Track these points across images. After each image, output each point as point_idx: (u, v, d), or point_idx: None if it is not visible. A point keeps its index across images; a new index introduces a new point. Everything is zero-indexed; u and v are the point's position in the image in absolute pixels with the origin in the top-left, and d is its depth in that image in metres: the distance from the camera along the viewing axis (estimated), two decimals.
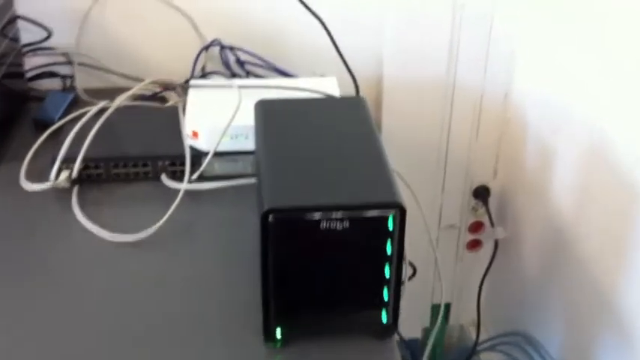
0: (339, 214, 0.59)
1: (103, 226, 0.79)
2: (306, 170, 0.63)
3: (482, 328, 1.28)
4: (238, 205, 0.83)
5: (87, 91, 1.04)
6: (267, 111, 0.73)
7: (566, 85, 1.00)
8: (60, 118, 0.95)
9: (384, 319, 0.64)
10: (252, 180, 0.82)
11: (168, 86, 1.02)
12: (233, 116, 0.85)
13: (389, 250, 0.61)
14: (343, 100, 0.78)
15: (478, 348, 1.28)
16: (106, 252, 0.77)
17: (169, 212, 0.79)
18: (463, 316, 1.39)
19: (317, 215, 0.58)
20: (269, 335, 0.64)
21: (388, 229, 0.60)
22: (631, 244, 0.86)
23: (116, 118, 0.91)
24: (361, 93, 1.04)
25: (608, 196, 0.90)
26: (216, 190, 0.85)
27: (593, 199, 0.94)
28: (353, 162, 0.64)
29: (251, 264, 0.70)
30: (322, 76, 1.06)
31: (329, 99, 0.77)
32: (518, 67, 1.12)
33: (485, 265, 1.28)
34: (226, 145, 0.86)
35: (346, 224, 0.59)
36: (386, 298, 0.63)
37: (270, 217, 0.58)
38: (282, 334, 0.64)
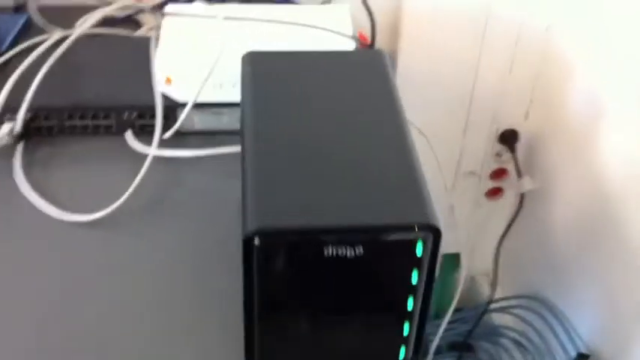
0: (350, 238, 0.43)
1: (52, 198, 0.63)
2: (306, 170, 0.46)
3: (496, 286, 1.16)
4: (223, 170, 0.67)
5: (43, 10, 0.85)
6: (258, 69, 0.55)
7: (627, 20, 0.81)
8: (8, 49, 0.77)
9: (402, 355, 0.50)
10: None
11: (140, 9, 0.83)
12: (217, 60, 0.68)
13: (414, 281, 0.46)
14: (356, 56, 0.60)
15: (490, 307, 1.16)
16: (55, 233, 0.61)
17: (134, 184, 0.63)
18: (475, 268, 1.26)
19: (321, 239, 0.43)
20: None
21: (415, 256, 0.44)
22: None
23: (75, 51, 0.73)
24: (377, 23, 0.86)
25: None
26: None
27: None
28: (369, 158, 0.48)
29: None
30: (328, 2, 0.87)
31: (337, 53, 0.60)
32: (568, 2, 0.92)
33: (505, 217, 1.13)
34: (209, 95, 0.69)
35: (359, 250, 0.43)
36: (406, 333, 0.49)
37: (257, 241, 0.42)
38: None
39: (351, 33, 0.74)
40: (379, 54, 0.57)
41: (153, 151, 0.65)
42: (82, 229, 0.61)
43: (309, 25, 0.73)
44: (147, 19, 0.86)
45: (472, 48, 0.98)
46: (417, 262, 0.45)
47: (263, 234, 0.42)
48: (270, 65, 0.56)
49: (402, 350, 0.50)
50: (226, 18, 0.73)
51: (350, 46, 0.72)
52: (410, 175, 0.46)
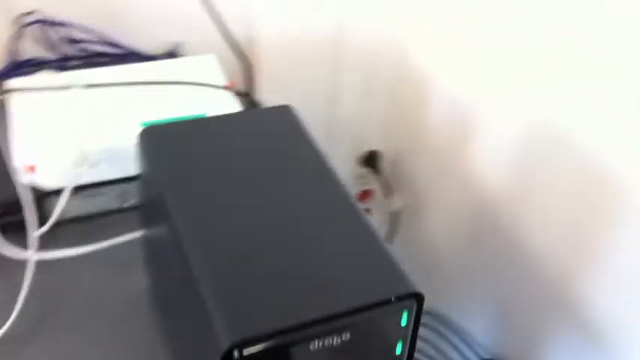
0: (335, 326, 0.38)
1: None
2: (261, 262, 0.41)
3: None
4: (113, 262, 0.59)
5: None
6: (162, 147, 0.48)
7: (481, 28, 0.84)
8: None
9: None
10: (135, 234, 0.58)
11: None
12: (85, 136, 0.59)
13: (398, 351, 0.42)
14: (264, 115, 0.55)
15: None
16: None
17: (19, 304, 0.53)
18: None
19: (305, 335, 0.38)
20: None
21: (400, 327, 0.41)
22: (586, 235, 0.74)
23: None
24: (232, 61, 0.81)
25: (553, 173, 0.77)
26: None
27: (531, 174, 0.81)
28: (324, 233, 0.43)
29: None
30: (177, 52, 0.81)
31: (244, 115, 0.54)
32: (420, 15, 0.93)
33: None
34: (83, 177, 0.61)
35: (346, 336, 0.39)
36: None
37: (236, 355, 0.36)
38: None
39: (223, 83, 0.69)
40: (288, 110, 0.53)
41: (32, 255, 0.55)
42: None
43: (182, 82, 0.67)
44: None
45: (328, 74, 0.97)
46: (402, 332, 0.41)
47: (242, 344, 0.36)
48: (175, 140, 0.49)
49: None
50: (87, 86, 0.64)
51: (228, 97, 0.67)
52: (372, 242, 0.43)
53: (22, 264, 0.55)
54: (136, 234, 0.58)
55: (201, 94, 0.67)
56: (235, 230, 0.42)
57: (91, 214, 0.63)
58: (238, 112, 0.54)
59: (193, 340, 0.41)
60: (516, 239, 0.86)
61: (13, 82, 0.65)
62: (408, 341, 0.42)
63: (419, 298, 0.40)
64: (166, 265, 0.47)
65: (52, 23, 0.75)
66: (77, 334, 0.54)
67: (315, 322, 0.38)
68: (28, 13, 0.74)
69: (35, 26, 0.74)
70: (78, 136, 0.60)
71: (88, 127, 0.61)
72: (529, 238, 0.84)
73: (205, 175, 0.46)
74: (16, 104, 0.64)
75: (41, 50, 0.76)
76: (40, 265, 0.56)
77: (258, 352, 0.36)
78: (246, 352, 0.36)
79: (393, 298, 0.39)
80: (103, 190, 0.63)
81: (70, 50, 0.76)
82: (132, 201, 0.64)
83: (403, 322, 0.40)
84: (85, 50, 0.77)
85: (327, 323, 0.38)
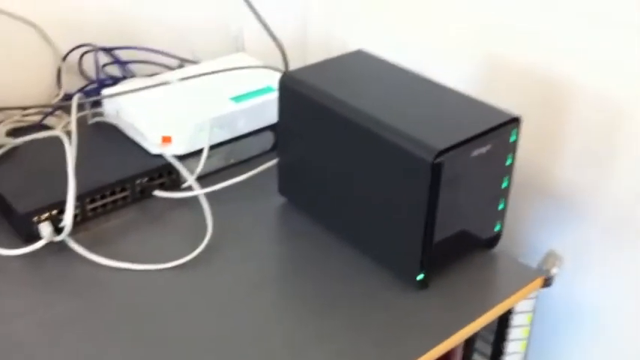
0: (485, 140, 0.61)
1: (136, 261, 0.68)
2: (421, 112, 0.64)
3: None
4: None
5: None
6: (308, 82, 0.69)
7: None
8: None
9: (497, 227, 0.70)
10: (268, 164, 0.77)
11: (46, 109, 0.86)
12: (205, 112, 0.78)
13: (509, 162, 0.65)
14: (355, 57, 0.76)
15: None
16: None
17: (209, 228, 0.71)
18: None
19: (471, 146, 0.60)
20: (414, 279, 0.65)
21: (509, 143, 0.64)
22: None
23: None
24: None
25: None
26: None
27: None
28: (441, 97, 0.68)
29: None
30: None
31: (344, 56, 0.75)
32: None
33: None
34: (200, 143, 0.79)
35: (487, 148, 0.62)
36: (501, 207, 0.68)
37: (441, 158, 0.58)
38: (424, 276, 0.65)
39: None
40: (364, 52, 0.76)
41: (201, 191, 0.73)
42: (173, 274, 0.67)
43: (247, 67, 0.87)
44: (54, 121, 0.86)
45: None
46: (511, 147, 0.65)
47: (442, 153, 0.58)
48: (315, 78, 0.70)
49: (498, 225, 0.69)
50: (181, 79, 0.83)
51: (276, 74, 0.88)
52: (468, 97, 0.67)
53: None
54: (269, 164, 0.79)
55: (257, 75, 0.88)
56: (395, 105, 0.65)
57: (207, 172, 0.80)
58: (335, 58, 0.75)
59: (392, 165, 0.62)
60: None
61: (113, 89, 0.82)
62: (515, 155, 0.65)
63: (517, 120, 0.64)
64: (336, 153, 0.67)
65: (101, 49, 0.91)
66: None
67: (475, 137, 0.61)
68: (82, 45, 0.91)
69: (75, 58, 0.92)
70: (194, 114, 0.78)
71: (198, 107, 0.80)
72: None
73: (355, 92, 0.68)
74: (125, 102, 0.81)
75: (91, 71, 0.92)
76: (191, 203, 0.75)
77: (449, 159, 0.58)
78: (442, 158, 0.58)
79: (507, 120, 0.63)
80: (213, 152, 0.80)
81: (112, 70, 0.92)
82: (234, 159, 0.83)
83: (512, 138, 0.64)
84: (133, 70, 0.93)
85: (482, 137, 0.61)
